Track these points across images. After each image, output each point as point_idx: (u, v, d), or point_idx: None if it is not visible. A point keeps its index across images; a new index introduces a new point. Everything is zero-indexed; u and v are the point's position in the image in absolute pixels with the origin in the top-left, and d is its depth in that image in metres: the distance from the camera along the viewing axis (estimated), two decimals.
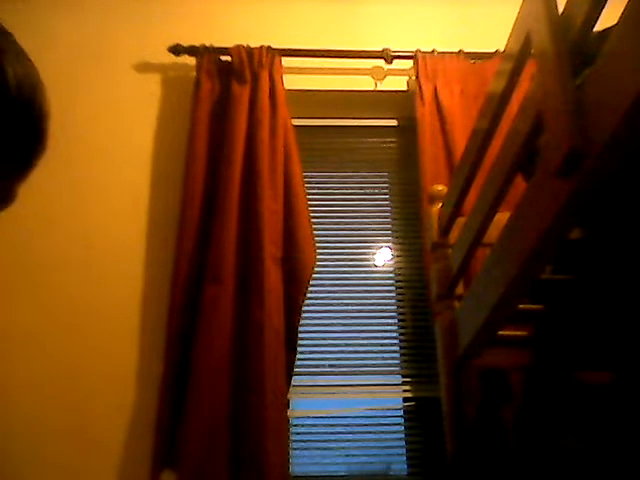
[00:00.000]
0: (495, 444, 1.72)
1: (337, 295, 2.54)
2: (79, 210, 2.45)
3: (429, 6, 2.87)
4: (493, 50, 2.63)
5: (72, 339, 2.28)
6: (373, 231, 2.66)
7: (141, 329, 2.31)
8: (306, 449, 2.33)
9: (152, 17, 2.75)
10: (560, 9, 1.24)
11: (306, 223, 2.37)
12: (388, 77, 2.70)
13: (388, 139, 2.81)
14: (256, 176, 2.35)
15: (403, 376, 2.45)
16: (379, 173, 2.77)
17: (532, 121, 1.28)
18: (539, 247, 1.30)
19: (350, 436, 2.35)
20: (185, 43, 2.60)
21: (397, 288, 2.58)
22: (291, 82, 2.58)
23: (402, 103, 2.72)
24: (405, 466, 2.36)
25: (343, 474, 2.35)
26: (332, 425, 2.37)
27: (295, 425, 2.34)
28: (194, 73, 2.58)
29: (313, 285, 2.33)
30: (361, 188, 2.72)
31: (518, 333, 1.80)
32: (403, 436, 2.38)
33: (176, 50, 2.60)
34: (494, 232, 1.57)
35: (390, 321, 2.53)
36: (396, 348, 2.49)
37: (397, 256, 2.62)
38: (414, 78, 2.63)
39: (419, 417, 2.39)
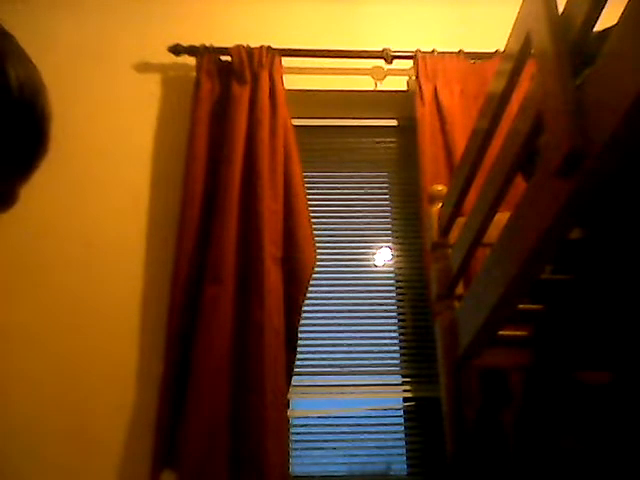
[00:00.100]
0: (495, 444, 1.72)
1: (337, 295, 2.54)
2: (79, 210, 2.45)
3: (429, 6, 2.87)
4: (493, 50, 2.63)
5: (72, 339, 2.28)
6: (373, 231, 2.66)
7: (141, 329, 2.31)
8: (306, 449, 2.33)
9: (152, 17, 2.75)
10: (560, 9, 1.24)
11: (306, 223, 2.37)
12: (388, 77, 2.70)
13: (388, 139, 2.81)
14: (256, 176, 2.35)
15: (403, 376, 2.45)
16: (379, 173, 2.77)
17: (532, 121, 1.28)
18: (539, 247, 1.30)
19: (350, 436, 2.35)
20: (185, 43, 2.60)
21: (397, 288, 2.58)
22: (291, 82, 2.58)
23: (402, 103, 2.72)
24: (405, 466, 2.36)
25: (343, 474, 2.35)
26: (332, 425, 2.37)
27: (295, 425, 2.34)
28: (194, 73, 2.58)
29: (313, 285, 2.33)
30: (361, 188, 2.72)
31: (518, 333, 1.80)
32: (403, 436, 2.38)
33: (176, 50, 2.60)
34: (494, 232, 1.57)
35: (390, 321, 2.53)
36: (396, 348, 2.49)
37: (397, 256, 2.62)
38: (414, 78, 2.64)
39: (419, 417, 2.39)
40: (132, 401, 2.22)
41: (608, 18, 1.14)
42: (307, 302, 2.31)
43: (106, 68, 2.66)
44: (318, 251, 2.35)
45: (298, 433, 2.34)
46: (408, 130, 2.69)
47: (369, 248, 2.64)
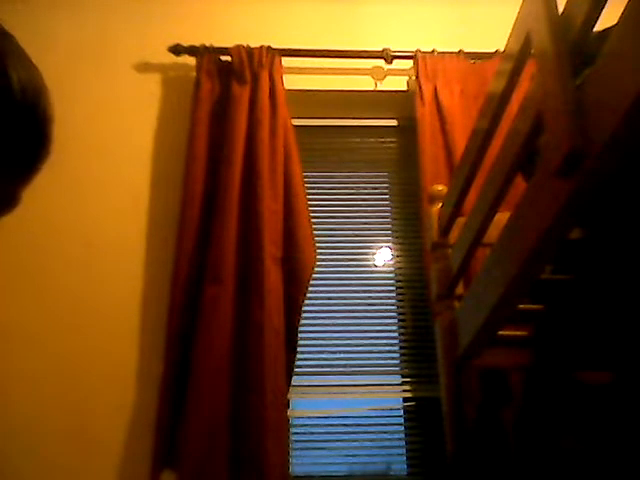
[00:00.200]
0: (495, 444, 1.72)
1: (337, 295, 2.54)
2: (79, 210, 2.45)
3: (429, 6, 2.87)
4: (493, 50, 2.63)
5: (72, 339, 2.28)
6: (373, 231, 2.66)
7: (141, 329, 2.31)
8: (306, 449, 2.33)
9: (152, 17, 2.75)
10: (560, 9, 1.24)
11: (306, 223, 2.37)
12: (388, 77, 2.70)
13: (388, 139, 2.81)
14: (256, 176, 2.35)
15: (403, 376, 2.45)
16: (379, 173, 2.77)
17: (532, 121, 1.28)
18: (539, 247, 1.30)
19: (350, 436, 2.35)
20: (185, 43, 2.60)
21: (397, 288, 2.58)
22: (291, 82, 2.58)
23: (402, 103, 2.72)
24: (405, 466, 2.36)
25: (343, 474, 2.35)
26: (332, 425, 2.37)
27: (295, 425, 2.34)
28: (194, 73, 2.58)
29: (313, 285, 2.33)
30: (361, 188, 2.72)
31: (518, 333, 1.80)
32: (403, 436, 2.38)
33: (176, 50, 2.60)
34: (494, 232, 1.57)
35: (390, 321, 2.53)
36: (396, 348, 2.49)
37: (397, 256, 2.62)
38: (414, 78, 2.64)
39: (419, 417, 2.39)
40: (132, 401, 2.22)
41: (608, 18, 1.14)
42: (307, 302, 2.31)
43: (106, 68, 2.66)
44: (318, 251, 2.35)
45: (298, 433, 2.34)
46: (408, 130, 2.69)
47: (369, 248, 2.64)
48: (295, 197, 2.39)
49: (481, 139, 1.66)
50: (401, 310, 2.54)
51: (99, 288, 2.35)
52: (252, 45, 2.58)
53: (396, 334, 2.51)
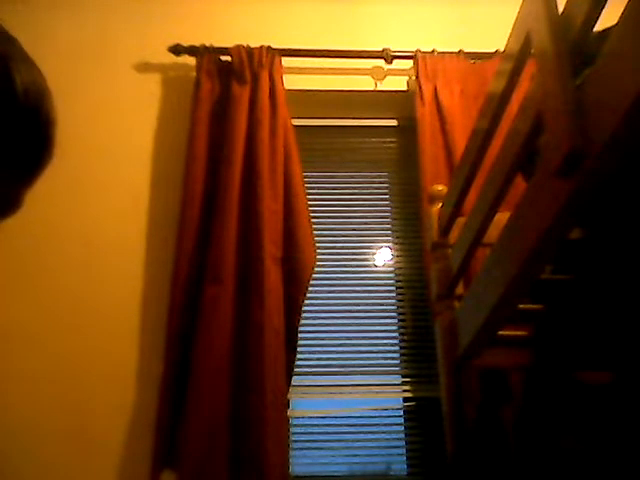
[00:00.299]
0: (495, 444, 1.72)
1: (337, 295, 2.54)
2: (79, 210, 2.45)
3: (429, 6, 2.87)
4: (493, 50, 2.63)
5: (72, 339, 2.28)
6: (373, 231, 2.66)
7: (141, 329, 2.31)
8: (306, 449, 2.33)
9: (152, 17, 2.75)
10: (560, 9, 1.24)
11: (306, 223, 2.37)
12: (388, 77, 2.70)
13: (388, 139, 2.81)
14: (256, 176, 2.35)
15: (403, 376, 2.45)
16: (379, 173, 2.77)
17: (532, 121, 1.28)
18: (539, 247, 1.30)
19: (350, 436, 2.35)
20: (185, 43, 2.60)
21: (397, 288, 2.58)
22: (291, 82, 2.58)
23: (402, 103, 2.72)
24: (405, 466, 2.36)
25: (343, 474, 2.35)
26: (332, 425, 2.37)
27: (295, 425, 2.34)
28: (194, 73, 2.58)
29: (313, 285, 2.33)
30: (361, 188, 2.72)
31: (518, 333, 1.80)
32: (403, 436, 2.38)
33: (176, 50, 2.60)
34: (494, 232, 1.57)
35: (390, 321, 2.53)
36: (396, 348, 2.49)
37: (397, 256, 2.62)
38: (414, 78, 2.64)
39: (419, 417, 2.39)
40: (132, 401, 2.22)
41: (608, 18, 1.14)
42: (307, 302, 2.31)
43: (106, 68, 2.66)
44: (318, 251, 2.35)
45: (298, 433, 2.34)
46: (408, 130, 2.69)
47: (369, 248, 2.64)
48: (295, 197, 2.39)
49: (481, 139, 1.66)
50: (401, 310, 2.54)
51: (99, 288, 2.35)
52: (252, 45, 2.58)
53: (396, 334, 2.51)
